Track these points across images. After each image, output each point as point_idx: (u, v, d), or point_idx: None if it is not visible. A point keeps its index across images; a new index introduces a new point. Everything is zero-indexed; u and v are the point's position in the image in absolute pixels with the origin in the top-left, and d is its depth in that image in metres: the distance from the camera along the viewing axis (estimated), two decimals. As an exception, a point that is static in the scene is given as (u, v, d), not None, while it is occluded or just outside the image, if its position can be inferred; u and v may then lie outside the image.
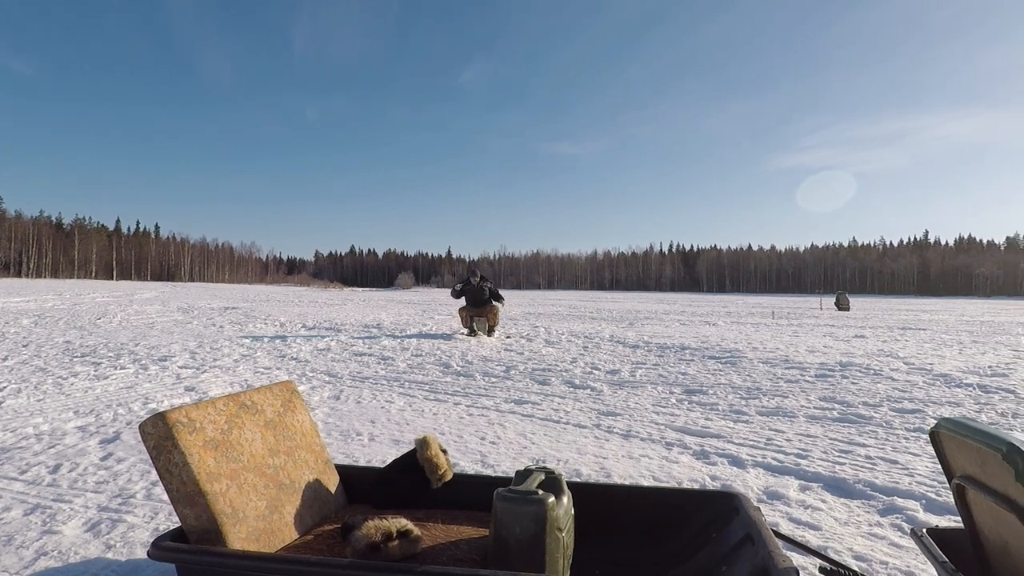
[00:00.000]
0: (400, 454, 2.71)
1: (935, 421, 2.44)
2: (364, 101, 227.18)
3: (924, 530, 1.92)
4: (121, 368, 6.59)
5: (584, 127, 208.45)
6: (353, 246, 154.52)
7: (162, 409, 4.61)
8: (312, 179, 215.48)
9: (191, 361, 7.30)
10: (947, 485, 1.80)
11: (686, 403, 5.25)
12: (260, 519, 1.77)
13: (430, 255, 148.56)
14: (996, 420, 4.67)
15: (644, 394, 5.64)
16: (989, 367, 7.50)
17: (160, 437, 1.66)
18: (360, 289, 76.11)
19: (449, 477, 2.17)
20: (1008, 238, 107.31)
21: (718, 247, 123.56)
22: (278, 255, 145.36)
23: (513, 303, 28.96)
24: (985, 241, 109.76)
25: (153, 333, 10.74)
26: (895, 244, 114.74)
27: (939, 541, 1.84)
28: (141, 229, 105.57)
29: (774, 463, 3.51)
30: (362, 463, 3.36)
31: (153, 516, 2.63)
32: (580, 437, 4.09)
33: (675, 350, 9.13)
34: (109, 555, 2.26)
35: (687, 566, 1.94)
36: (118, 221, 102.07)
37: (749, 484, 3.16)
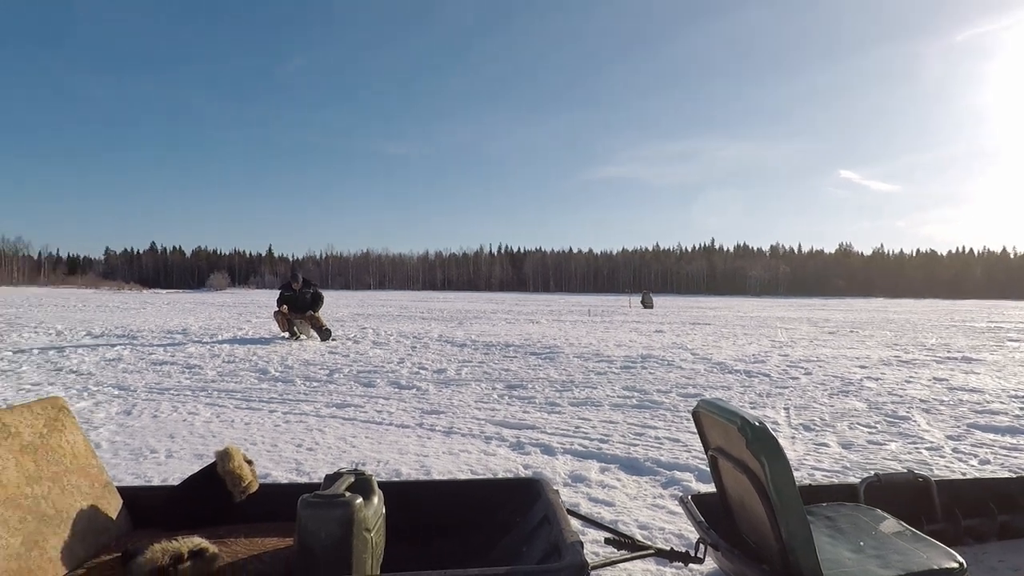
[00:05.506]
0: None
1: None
2: (165, 84, 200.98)
3: (689, 496, 2.26)
4: None
5: (413, 128, 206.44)
6: (154, 243, 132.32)
7: None
8: (97, 167, 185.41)
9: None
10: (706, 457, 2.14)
11: (507, 398, 5.52)
12: (12, 558, 1.52)
13: (248, 253, 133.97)
14: (755, 400, 5.61)
15: (468, 391, 5.81)
16: (753, 355, 8.96)
17: None
18: (164, 291, 67.21)
19: (254, 489, 2.06)
20: (771, 246, 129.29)
21: (543, 249, 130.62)
22: (54, 252, 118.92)
23: (341, 304, 27.85)
24: (756, 248, 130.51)
25: None
26: (689, 249, 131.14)
27: (699, 505, 2.19)
28: None
29: (580, 449, 3.85)
30: (156, 483, 3.03)
31: None
32: (402, 437, 4.10)
33: (500, 347, 9.52)
34: None
35: (494, 551, 2.06)
36: None
37: (557, 470, 3.43)
